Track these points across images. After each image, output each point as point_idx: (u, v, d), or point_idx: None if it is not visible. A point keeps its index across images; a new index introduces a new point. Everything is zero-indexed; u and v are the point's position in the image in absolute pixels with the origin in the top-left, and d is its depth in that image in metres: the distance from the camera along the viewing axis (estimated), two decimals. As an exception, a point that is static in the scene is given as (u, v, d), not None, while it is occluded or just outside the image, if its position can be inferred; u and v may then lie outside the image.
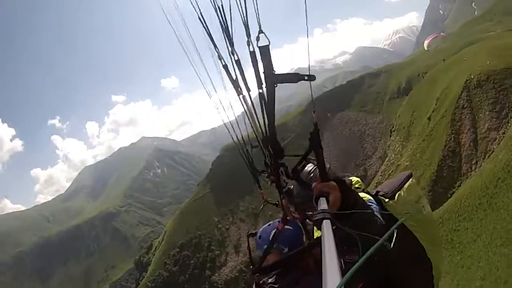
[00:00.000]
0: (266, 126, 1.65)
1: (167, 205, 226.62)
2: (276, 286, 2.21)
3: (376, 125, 63.93)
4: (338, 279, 0.83)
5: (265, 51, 1.41)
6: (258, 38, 1.40)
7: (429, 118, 34.68)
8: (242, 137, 2.48)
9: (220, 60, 1.65)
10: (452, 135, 26.94)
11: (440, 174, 25.25)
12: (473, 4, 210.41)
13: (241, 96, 1.68)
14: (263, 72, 1.44)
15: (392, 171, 36.86)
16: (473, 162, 24.18)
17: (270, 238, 2.27)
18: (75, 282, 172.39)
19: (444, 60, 56.70)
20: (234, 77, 1.62)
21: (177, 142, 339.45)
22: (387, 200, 2.16)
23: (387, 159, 43.19)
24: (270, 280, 2.28)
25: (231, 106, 2.31)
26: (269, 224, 2.38)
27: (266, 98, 1.54)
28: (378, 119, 64.20)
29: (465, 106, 27.88)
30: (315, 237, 2.26)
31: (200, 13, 1.60)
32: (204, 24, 1.59)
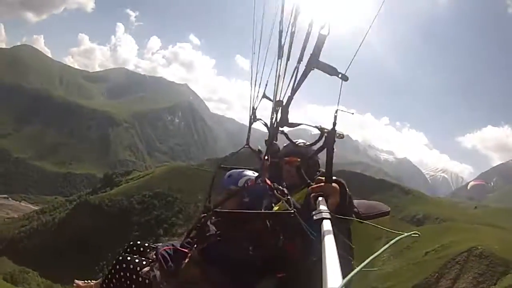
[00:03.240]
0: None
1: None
2: (217, 237, 2.27)
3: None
4: (339, 280, 0.85)
5: (323, 39, 1.49)
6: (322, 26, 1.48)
7: (426, 253, 39.86)
8: None
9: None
10: (433, 276, 32.81)
11: None
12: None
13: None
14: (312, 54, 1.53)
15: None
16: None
17: (239, 184, 2.39)
18: None
19: (476, 207, 64.02)
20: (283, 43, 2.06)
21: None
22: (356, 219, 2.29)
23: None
24: (212, 228, 2.37)
25: None
26: (242, 171, 2.50)
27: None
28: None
29: (459, 261, 33.26)
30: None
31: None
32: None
